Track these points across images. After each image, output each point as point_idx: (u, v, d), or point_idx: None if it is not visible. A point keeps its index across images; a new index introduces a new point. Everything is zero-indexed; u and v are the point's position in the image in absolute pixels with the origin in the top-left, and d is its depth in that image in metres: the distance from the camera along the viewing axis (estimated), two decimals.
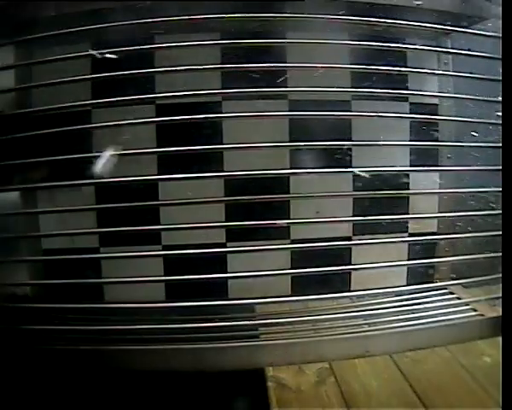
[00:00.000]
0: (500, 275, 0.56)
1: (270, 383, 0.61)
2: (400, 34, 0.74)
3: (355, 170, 0.61)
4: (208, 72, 0.70)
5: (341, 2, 0.64)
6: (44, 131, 0.61)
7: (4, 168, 0.63)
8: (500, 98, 0.59)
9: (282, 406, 0.57)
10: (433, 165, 0.82)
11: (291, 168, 0.73)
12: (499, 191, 0.57)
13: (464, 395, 0.58)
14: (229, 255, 0.79)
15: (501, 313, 0.64)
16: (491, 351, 0.67)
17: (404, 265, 0.64)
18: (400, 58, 0.77)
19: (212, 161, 0.74)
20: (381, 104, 0.70)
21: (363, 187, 0.74)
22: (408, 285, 0.83)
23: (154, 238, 0.78)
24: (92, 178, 0.62)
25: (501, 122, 0.59)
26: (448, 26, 0.69)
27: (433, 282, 0.83)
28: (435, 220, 0.85)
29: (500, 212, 0.57)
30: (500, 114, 0.60)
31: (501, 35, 0.60)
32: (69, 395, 0.59)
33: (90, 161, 0.64)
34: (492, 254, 0.62)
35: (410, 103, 0.84)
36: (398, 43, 0.68)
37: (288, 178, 0.77)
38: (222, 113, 0.74)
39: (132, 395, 0.59)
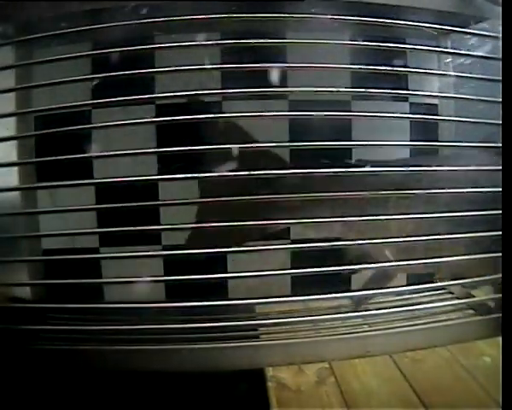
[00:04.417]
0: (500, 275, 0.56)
1: (270, 383, 0.61)
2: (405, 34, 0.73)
3: (353, 170, 0.61)
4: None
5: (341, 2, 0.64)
6: (44, 132, 0.62)
7: None
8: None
9: (282, 406, 0.57)
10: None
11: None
12: (499, 191, 0.57)
13: (464, 395, 0.58)
14: (228, 255, 0.79)
15: (501, 313, 0.64)
16: (491, 351, 0.67)
17: (404, 265, 0.63)
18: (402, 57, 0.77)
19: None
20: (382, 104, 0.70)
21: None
22: (408, 285, 0.83)
23: (154, 238, 0.78)
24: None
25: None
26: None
27: (433, 282, 0.82)
28: None
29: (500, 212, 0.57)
30: None
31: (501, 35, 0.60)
32: (68, 395, 0.59)
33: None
34: (492, 255, 0.62)
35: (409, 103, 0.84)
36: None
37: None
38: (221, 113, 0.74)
39: (132, 396, 0.59)
